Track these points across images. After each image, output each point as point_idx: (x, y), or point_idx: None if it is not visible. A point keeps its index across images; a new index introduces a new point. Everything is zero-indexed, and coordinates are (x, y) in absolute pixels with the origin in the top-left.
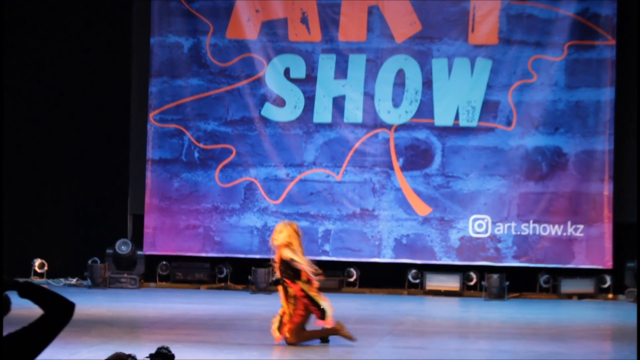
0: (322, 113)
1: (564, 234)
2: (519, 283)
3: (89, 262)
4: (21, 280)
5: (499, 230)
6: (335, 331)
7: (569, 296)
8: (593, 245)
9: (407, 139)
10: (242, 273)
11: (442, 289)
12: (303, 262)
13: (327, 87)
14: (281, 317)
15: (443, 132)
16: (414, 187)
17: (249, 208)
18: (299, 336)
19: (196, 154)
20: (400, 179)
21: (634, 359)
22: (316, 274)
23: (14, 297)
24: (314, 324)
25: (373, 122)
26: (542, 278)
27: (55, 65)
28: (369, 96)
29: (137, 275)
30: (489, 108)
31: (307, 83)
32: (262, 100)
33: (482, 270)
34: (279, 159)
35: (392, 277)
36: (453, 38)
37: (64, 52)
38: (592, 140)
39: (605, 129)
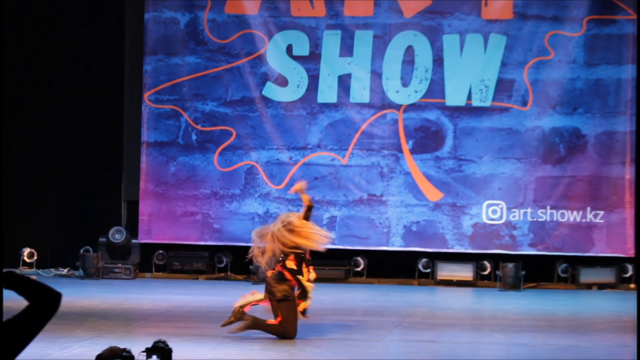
0: (327, 93)
1: (583, 220)
2: (536, 272)
3: (81, 251)
4: (4, 270)
5: (514, 217)
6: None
7: (589, 286)
8: (614, 232)
9: (416, 120)
10: (243, 262)
11: (455, 278)
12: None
13: (332, 65)
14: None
15: (455, 112)
16: (424, 171)
17: (250, 194)
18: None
19: (194, 137)
20: (410, 162)
21: None
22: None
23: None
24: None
25: (381, 102)
26: (560, 267)
27: (44, 43)
28: (376, 75)
29: (132, 265)
30: (503, 87)
31: (311, 61)
32: (264, 79)
33: (496, 259)
34: (282, 141)
35: (401, 267)
36: (465, 13)
37: (53, 28)
38: (612, 121)
39: (627, 109)
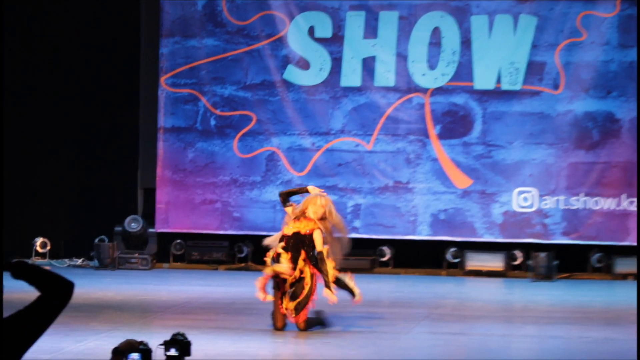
0: (351, 76)
1: (618, 208)
2: (569, 262)
3: (96, 241)
4: (14, 260)
5: (546, 204)
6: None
7: (624, 276)
8: None
9: (444, 105)
10: (264, 252)
11: (484, 269)
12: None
13: (355, 47)
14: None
15: (483, 96)
16: (452, 157)
17: (271, 181)
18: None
19: (212, 122)
20: (437, 148)
21: None
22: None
23: (6, 279)
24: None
25: (406, 86)
26: (595, 257)
27: (58, 25)
28: (401, 57)
29: (149, 255)
30: (534, 70)
31: (334, 43)
32: (285, 62)
33: (528, 249)
34: (304, 126)
35: (428, 256)
36: None
37: (67, 10)
38: None
39: None
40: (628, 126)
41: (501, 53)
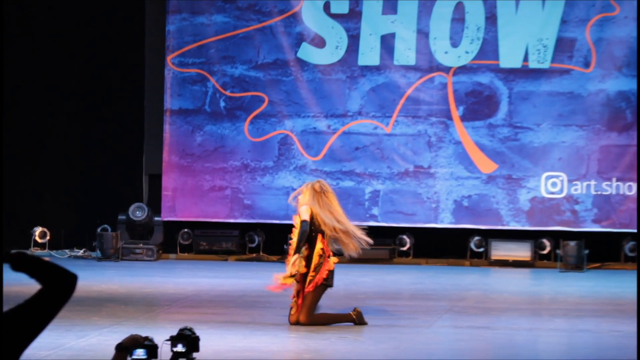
0: (369, 54)
1: None
2: (600, 251)
3: (98, 230)
4: (14, 251)
5: (576, 190)
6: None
7: None
8: None
9: (467, 84)
10: (277, 242)
11: (510, 258)
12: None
13: (373, 23)
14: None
15: (510, 75)
16: (477, 140)
17: (284, 166)
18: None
19: (222, 103)
20: (460, 130)
21: None
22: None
23: (5, 271)
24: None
25: (428, 65)
26: (627, 245)
27: (59, 1)
28: (422, 34)
29: (155, 246)
30: (563, 47)
31: (351, 19)
32: (299, 39)
33: (556, 237)
34: (319, 108)
35: (451, 246)
36: None
37: None
38: None
39: None
40: None
41: (528, 29)
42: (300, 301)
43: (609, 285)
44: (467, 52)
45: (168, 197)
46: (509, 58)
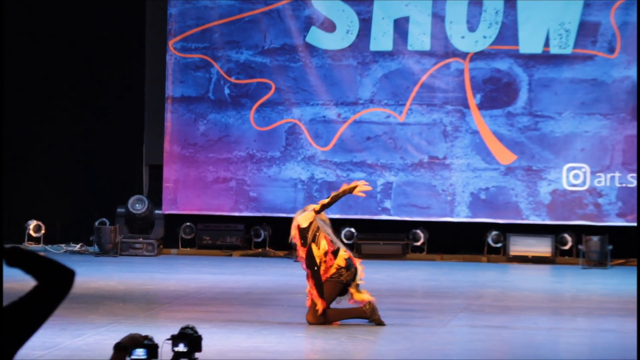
0: (381, 39)
1: None
2: (625, 247)
3: (96, 224)
4: (8, 246)
5: (599, 182)
6: (363, 314)
7: None
8: None
9: (485, 71)
10: (284, 236)
11: (530, 254)
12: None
13: (386, 7)
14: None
15: (530, 61)
16: (495, 129)
17: (292, 156)
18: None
19: (226, 91)
20: (478, 119)
21: None
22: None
23: None
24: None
25: (444, 50)
26: None
27: None
28: (438, 18)
29: (155, 240)
30: (586, 31)
31: (363, 2)
32: (307, 23)
33: (579, 232)
34: (328, 95)
35: (467, 241)
36: None
37: None
38: None
39: None
40: None
41: (550, 12)
42: (310, 302)
43: (634, 282)
44: (484, 37)
45: (169, 189)
46: (529, 43)
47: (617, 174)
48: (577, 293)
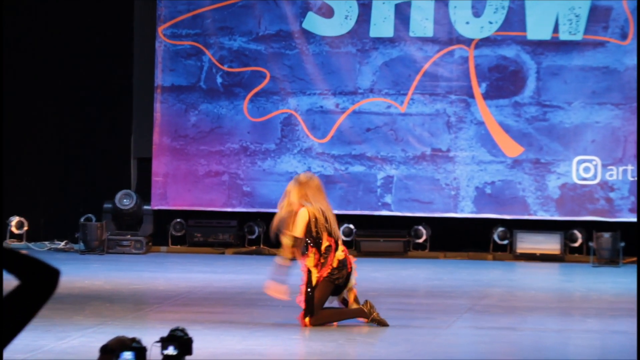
0: (381, 25)
1: None
2: (638, 244)
3: (82, 220)
4: None
5: (611, 176)
6: (362, 313)
7: None
8: None
9: (491, 58)
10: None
11: (538, 252)
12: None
13: None
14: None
15: (538, 48)
16: (501, 120)
17: (288, 149)
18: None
19: (219, 80)
20: (483, 109)
21: None
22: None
23: None
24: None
25: (447, 36)
26: None
27: None
28: (441, 2)
29: (144, 237)
30: (597, 16)
31: None
32: (304, 8)
33: (589, 228)
34: (326, 85)
35: (472, 237)
36: None
37: None
38: None
39: None
40: None
41: None
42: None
43: None
44: (490, 23)
45: (159, 184)
46: (537, 29)
47: (629, 167)
48: (587, 293)
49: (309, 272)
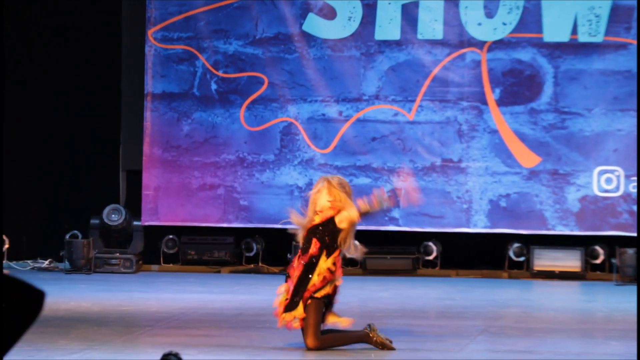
0: (387, 27)
1: None
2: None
3: (67, 237)
4: None
5: (634, 188)
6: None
7: None
8: None
9: (505, 62)
10: (278, 250)
11: (557, 269)
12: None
13: None
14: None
15: (555, 51)
16: (516, 128)
17: (288, 160)
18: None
19: (213, 86)
20: (497, 117)
21: None
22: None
23: None
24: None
25: (458, 39)
26: None
27: None
28: (451, 2)
29: (134, 255)
30: (619, 16)
31: None
32: (304, 10)
33: (612, 243)
34: (328, 91)
35: (486, 254)
36: None
37: None
38: None
39: None
40: None
41: None
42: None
43: None
44: (504, 24)
45: (149, 198)
46: (554, 30)
47: None
48: (610, 313)
49: (316, 264)
